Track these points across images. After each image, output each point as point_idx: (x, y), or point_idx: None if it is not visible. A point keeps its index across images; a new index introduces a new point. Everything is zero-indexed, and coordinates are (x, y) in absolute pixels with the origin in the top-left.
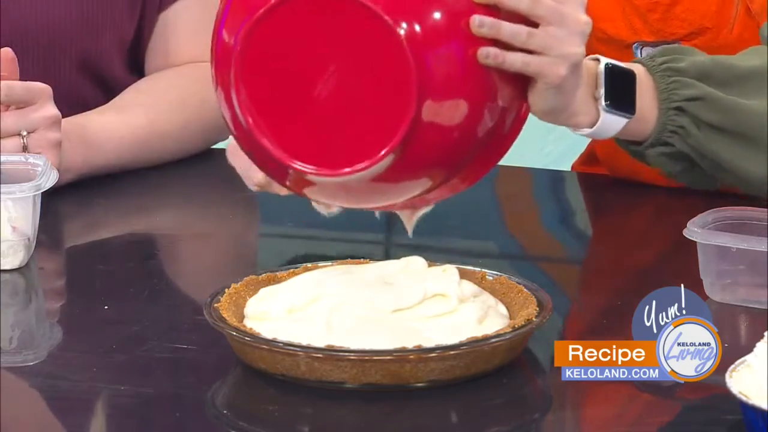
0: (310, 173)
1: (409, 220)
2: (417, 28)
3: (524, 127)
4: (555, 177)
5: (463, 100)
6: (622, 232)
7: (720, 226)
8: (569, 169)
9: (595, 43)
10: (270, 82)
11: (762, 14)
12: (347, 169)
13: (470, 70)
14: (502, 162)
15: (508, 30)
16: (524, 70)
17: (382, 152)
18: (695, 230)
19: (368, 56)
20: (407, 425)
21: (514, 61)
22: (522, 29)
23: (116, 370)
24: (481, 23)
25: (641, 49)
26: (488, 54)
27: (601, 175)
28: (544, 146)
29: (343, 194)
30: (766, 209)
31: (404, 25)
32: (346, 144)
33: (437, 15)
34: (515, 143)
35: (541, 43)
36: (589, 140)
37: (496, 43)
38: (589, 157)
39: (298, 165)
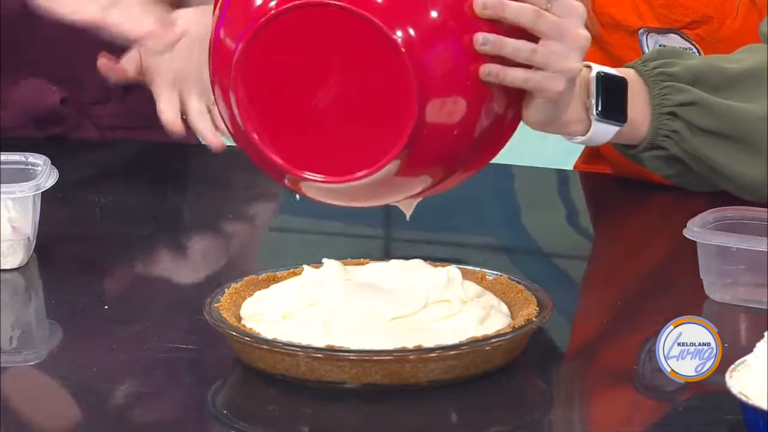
0: (318, 182)
1: (408, 207)
2: (413, 34)
3: (524, 127)
4: (557, 176)
5: (463, 100)
6: (624, 231)
7: (720, 226)
8: (571, 168)
9: (602, 29)
10: (271, 93)
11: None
12: (350, 176)
13: (470, 76)
14: (503, 161)
15: (512, 47)
16: (524, 85)
17: (385, 159)
18: (695, 230)
19: (368, 65)
20: (407, 425)
21: (516, 77)
22: (525, 45)
23: (116, 370)
24: (484, 41)
25: (647, 35)
26: (489, 72)
27: (604, 175)
28: (545, 146)
29: (344, 196)
30: (766, 209)
31: (400, 33)
32: (350, 151)
33: (434, 22)
34: (515, 143)
35: (542, 59)
36: None
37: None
38: (592, 153)
39: (307, 175)
